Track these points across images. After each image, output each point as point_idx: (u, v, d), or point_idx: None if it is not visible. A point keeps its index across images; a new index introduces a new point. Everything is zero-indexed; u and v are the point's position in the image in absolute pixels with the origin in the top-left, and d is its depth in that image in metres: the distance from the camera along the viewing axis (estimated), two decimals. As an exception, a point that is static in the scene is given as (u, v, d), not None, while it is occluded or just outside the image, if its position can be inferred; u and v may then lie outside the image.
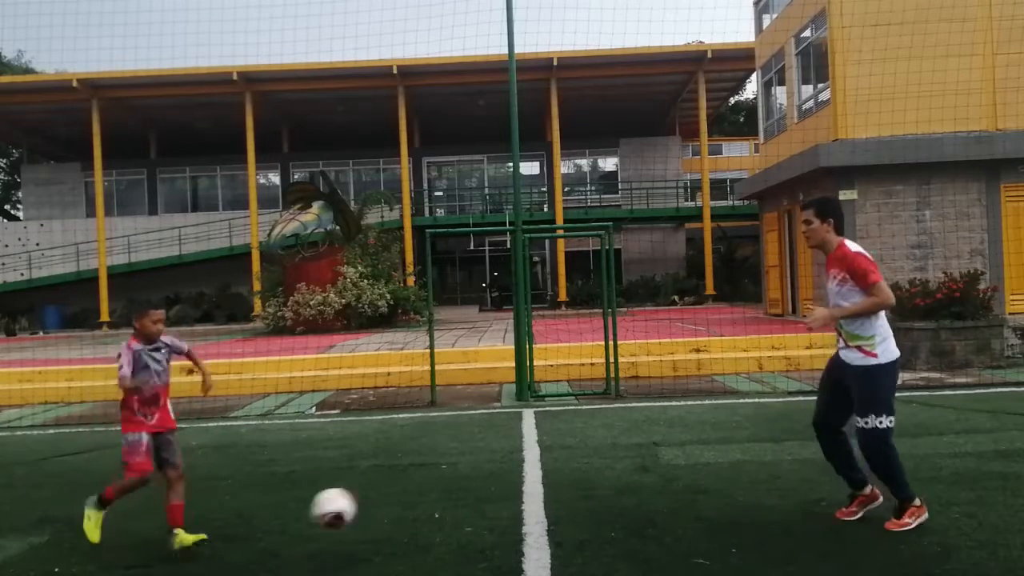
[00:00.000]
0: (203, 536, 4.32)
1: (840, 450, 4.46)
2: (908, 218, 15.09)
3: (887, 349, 4.26)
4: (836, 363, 4.45)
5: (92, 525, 4.37)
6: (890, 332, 4.32)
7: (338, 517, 4.07)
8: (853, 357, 4.30)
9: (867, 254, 4.31)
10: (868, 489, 4.45)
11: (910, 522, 4.20)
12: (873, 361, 4.23)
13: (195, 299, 29.37)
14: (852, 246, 4.33)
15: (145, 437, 4.44)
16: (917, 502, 4.26)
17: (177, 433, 4.64)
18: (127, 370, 4.42)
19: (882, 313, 4.30)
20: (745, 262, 30.99)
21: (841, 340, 4.37)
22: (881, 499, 4.43)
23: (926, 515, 4.26)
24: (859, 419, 4.27)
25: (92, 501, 4.43)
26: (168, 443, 4.52)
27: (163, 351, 4.59)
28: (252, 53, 31.32)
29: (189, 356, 4.83)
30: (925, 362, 11.16)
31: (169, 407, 4.61)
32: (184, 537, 4.30)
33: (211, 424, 8.69)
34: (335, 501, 4.13)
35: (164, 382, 4.59)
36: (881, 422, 4.20)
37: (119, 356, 4.46)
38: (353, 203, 23.91)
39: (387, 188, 29.30)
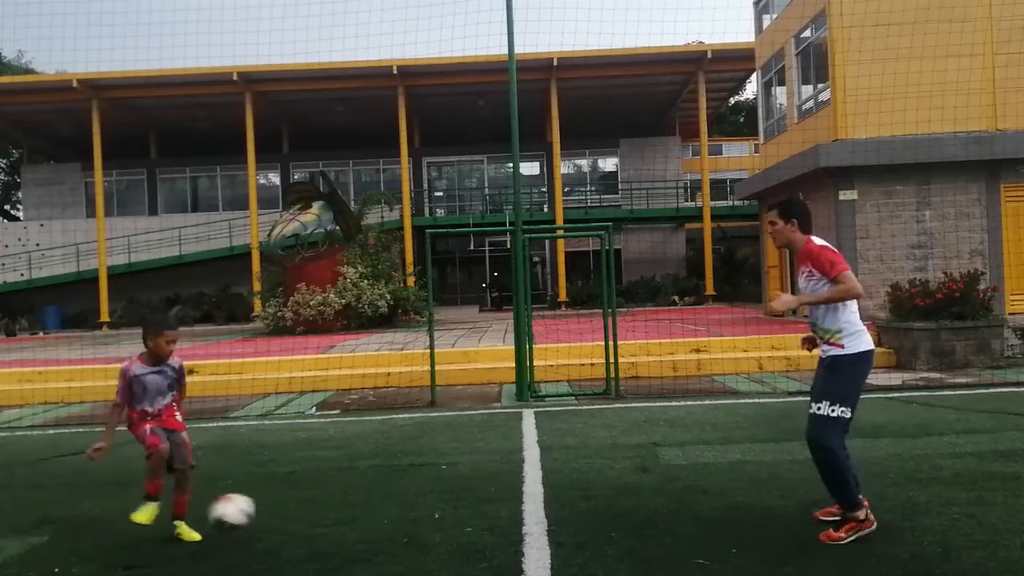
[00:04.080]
0: (198, 537, 4.43)
1: None
2: (908, 218, 15.10)
3: (854, 343, 4.21)
4: (818, 365, 4.44)
5: (144, 514, 4.38)
6: (862, 327, 4.27)
7: (221, 523, 4.28)
8: (824, 349, 4.33)
9: (832, 248, 4.33)
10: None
11: (844, 536, 4.06)
12: (839, 352, 4.22)
13: (195, 299, 29.38)
14: (817, 241, 4.35)
15: (150, 427, 4.48)
16: (861, 515, 4.10)
17: (185, 434, 4.64)
18: (120, 398, 4.48)
19: (851, 308, 4.26)
20: (745, 262, 30.98)
21: (818, 339, 4.38)
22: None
23: (871, 528, 4.11)
24: (812, 404, 4.24)
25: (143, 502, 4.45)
26: (176, 444, 4.54)
27: (168, 372, 4.58)
28: (252, 53, 31.50)
29: (180, 390, 4.72)
30: (925, 362, 11.17)
31: (176, 415, 4.64)
32: (183, 529, 4.46)
33: (211, 424, 8.69)
34: (222, 507, 4.30)
35: (164, 404, 4.58)
36: (833, 410, 4.12)
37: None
38: (353, 203, 23.90)
39: (387, 188, 29.28)
